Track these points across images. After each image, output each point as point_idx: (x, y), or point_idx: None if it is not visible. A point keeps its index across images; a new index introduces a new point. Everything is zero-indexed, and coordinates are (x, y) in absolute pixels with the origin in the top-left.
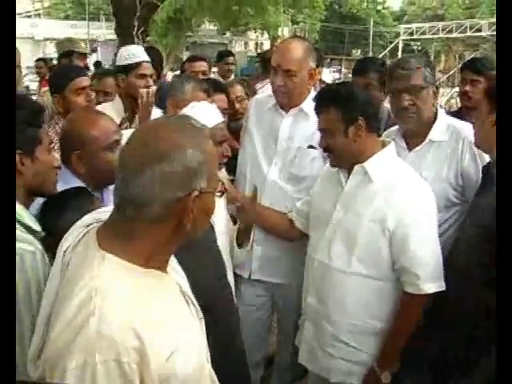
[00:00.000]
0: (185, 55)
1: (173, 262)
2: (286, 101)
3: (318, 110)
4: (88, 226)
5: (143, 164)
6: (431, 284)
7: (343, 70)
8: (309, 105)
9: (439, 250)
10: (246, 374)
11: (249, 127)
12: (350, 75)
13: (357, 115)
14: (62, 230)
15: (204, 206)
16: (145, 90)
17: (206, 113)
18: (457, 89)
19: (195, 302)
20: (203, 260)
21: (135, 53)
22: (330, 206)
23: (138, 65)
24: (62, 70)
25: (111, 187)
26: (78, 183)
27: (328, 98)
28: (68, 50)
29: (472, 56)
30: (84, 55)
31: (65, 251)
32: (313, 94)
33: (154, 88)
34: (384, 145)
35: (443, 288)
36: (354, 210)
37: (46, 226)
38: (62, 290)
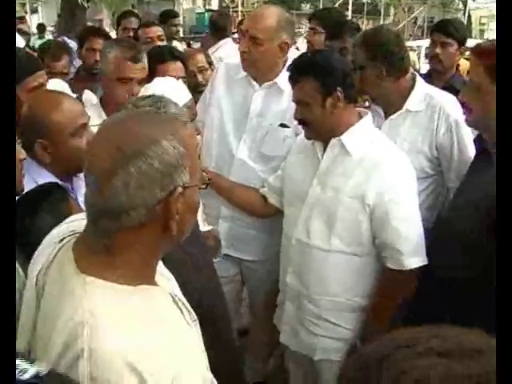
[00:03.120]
0: None
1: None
2: (251, 70)
3: (294, 80)
4: (61, 240)
5: (115, 165)
6: (414, 259)
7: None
8: (284, 79)
9: (421, 224)
10: (240, 369)
11: (216, 96)
12: (302, 30)
13: (335, 86)
14: (36, 235)
15: (189, 203)
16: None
17: (172, 91)
18: (408, 43)
19: (188, 306)
20: (192, 254)
21: None
22: (306, 180)
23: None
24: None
25: (81, 175)
26: (44, 174)
27: (304, 68)
28: None
29: (422, 13)
30: (21, 18)
31: (37, 273)
32: None
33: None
34: (361, 116)
35: (425, 262)
36: (331, 186)
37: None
38: (41, 323)
